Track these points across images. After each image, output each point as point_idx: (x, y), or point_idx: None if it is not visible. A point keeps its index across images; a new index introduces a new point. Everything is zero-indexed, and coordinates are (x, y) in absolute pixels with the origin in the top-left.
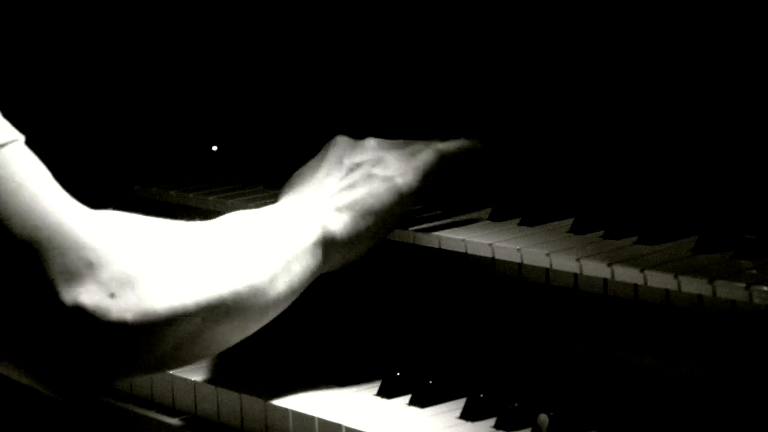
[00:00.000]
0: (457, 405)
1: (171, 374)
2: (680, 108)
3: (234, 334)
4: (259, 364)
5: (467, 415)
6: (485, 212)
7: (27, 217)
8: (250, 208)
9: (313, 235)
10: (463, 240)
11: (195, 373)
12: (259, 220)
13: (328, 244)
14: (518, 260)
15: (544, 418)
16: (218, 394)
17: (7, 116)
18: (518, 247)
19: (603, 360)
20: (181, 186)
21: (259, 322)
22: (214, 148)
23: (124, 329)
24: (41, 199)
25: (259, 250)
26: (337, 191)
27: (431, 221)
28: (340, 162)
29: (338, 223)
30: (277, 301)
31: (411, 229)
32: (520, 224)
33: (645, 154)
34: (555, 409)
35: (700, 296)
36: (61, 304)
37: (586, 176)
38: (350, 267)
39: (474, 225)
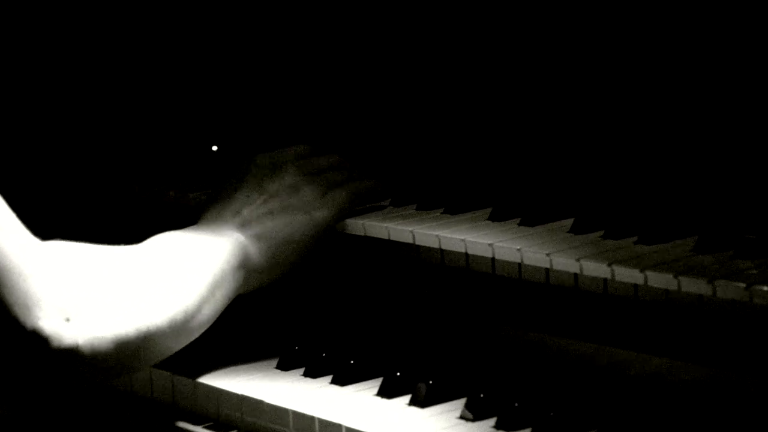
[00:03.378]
0: (457, 405)
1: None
2: (680, 108)
3: (166, 352)
4: (259, 365)
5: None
6: (485, 212)
7: None
8: None
9: (235, 260)
10: (463, 240)
11: (195, 373)
12: (187, 246)
13: (248, 269)
14: (518, 260)
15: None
16: (219, 394)
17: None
18: (518, 247)
19: (603, 360)
20: (181, 186)
21: (186, 341)
22: (214, 148)
23: (75, 353)
24: None
25: (190, 276)
26: (257, 218)
27: (431, 221)
28: (260, 186)
29: (258, 250)
30: (203, 323)
31: (411, 229)
32: (520, 224)
33: (645, 154)
34: (555, 409)
35: (700, 296)
36: (21, 328)
37: (586, 176)
38: (351, 267)
39: (474, 225)
